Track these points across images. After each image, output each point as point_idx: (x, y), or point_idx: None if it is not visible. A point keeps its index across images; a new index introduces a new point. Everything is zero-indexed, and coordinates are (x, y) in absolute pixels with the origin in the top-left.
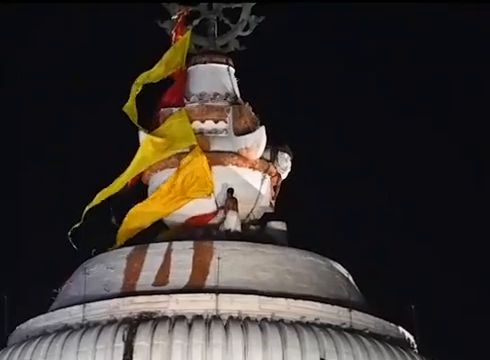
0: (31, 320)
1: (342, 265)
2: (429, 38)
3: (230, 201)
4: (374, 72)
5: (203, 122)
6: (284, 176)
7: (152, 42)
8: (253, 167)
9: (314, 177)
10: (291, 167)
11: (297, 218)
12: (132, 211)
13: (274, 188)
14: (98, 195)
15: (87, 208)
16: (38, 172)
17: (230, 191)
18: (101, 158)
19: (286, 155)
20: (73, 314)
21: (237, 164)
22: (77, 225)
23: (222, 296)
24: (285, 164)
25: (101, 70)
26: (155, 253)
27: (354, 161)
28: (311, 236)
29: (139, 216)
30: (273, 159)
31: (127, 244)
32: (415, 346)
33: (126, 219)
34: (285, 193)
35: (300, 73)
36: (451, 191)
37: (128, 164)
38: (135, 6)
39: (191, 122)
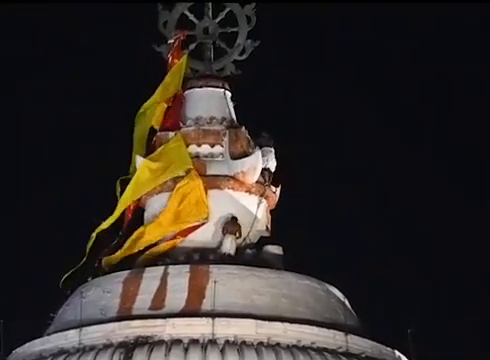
0: (27, 344)
1: (338, 289)
2: (430, 38)
3: (229, 225)
4: (374, 72)
5: (199, 146)
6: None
7: (149, 66)
8: (249, 191)
9: (309, 202)
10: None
11: (293, 242)
12: (131, 238)
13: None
14: (97, 229)
15: (89, 245)
16: (40, 189)
17: (233, 219)
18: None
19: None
20: (69, 338)
21: (233, 188)
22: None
23: (218, 320)
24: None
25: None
26: (151, 277)
27: (352, 183)
28: (307, 260)
29: (135, 241)
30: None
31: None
32: None
33: (125, 245)
34: (281, 218)
35: (300, 86)
36: (452, 204)
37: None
38: (133, 28)
39: (187, 146)
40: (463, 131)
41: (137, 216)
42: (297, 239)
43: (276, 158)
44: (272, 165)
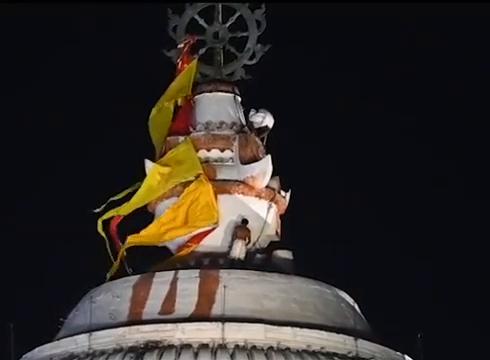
0: (37, 349)
1: (348, 293)
2: (429, 38)
3: (238, 230)
4: (375, 73)
5: (209, 151)
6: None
7: (159, 71)
8: (259, 196)
9: (317, 206)
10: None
11: (303, 246)
12: (135, 235)
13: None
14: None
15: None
16: (41, 192)
17: (244, 222)
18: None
19: (260, 113)
20: (79, 343)
21: (243, 193)
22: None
23: (228, 325)
24: (259, 119)
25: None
26: (161, 282)
27: (360, 186)
28: (317, 264)
29: (141, 239)
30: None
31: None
32: None
33: (127, 241)
34: (291, 223)
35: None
36: (465, 210)
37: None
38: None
39: (197, 151)
40: (463, 132)
41: (144, 221)
42: (306, 244)
43: (283, 160)
44: (270, 123)
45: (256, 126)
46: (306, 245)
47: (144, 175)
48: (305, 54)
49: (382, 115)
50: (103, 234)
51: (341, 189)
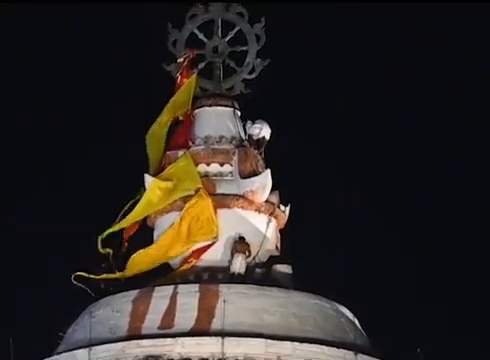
0: None
1: (348, 308)
2: (429, 38)
3: (238, 244)
4: (375, 73)
5: (208, 165)
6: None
7: (158, 71)
8: (259, 210)
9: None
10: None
11: (302, 261)
12: (136, 255)
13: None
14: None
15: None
16: (40, 203)
17: (241, 238)
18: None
19: (257, 124)
20: (79, 357)
21: (242, 207)
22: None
23: (228, 339)
24: (256, 131)
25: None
26: (161, 296)
27: (357, 202)
28: (317, 279)
29: (143, 260)
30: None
31: (133, 287)
32: None
33: (130, 263)
34: (290, 237)
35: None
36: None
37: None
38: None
39: (196, 165)
40: (463, 134)
41: (145, 236)
42: (306, 258)
43: (283, 159)
44: (267, 133)
45: (254, 138)
46: (306, 244)
47: (143, 180)
48: (305, 54)
49: (382, 115)
50: (102, 250)
51: (341, 189)
